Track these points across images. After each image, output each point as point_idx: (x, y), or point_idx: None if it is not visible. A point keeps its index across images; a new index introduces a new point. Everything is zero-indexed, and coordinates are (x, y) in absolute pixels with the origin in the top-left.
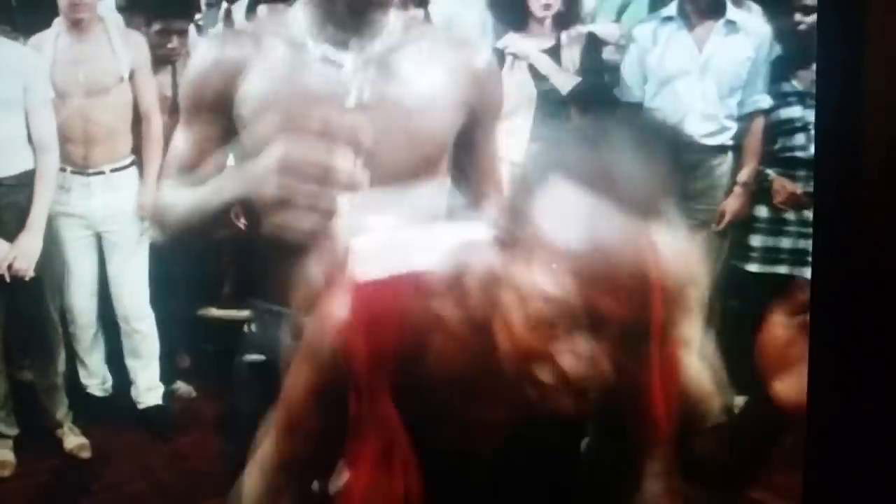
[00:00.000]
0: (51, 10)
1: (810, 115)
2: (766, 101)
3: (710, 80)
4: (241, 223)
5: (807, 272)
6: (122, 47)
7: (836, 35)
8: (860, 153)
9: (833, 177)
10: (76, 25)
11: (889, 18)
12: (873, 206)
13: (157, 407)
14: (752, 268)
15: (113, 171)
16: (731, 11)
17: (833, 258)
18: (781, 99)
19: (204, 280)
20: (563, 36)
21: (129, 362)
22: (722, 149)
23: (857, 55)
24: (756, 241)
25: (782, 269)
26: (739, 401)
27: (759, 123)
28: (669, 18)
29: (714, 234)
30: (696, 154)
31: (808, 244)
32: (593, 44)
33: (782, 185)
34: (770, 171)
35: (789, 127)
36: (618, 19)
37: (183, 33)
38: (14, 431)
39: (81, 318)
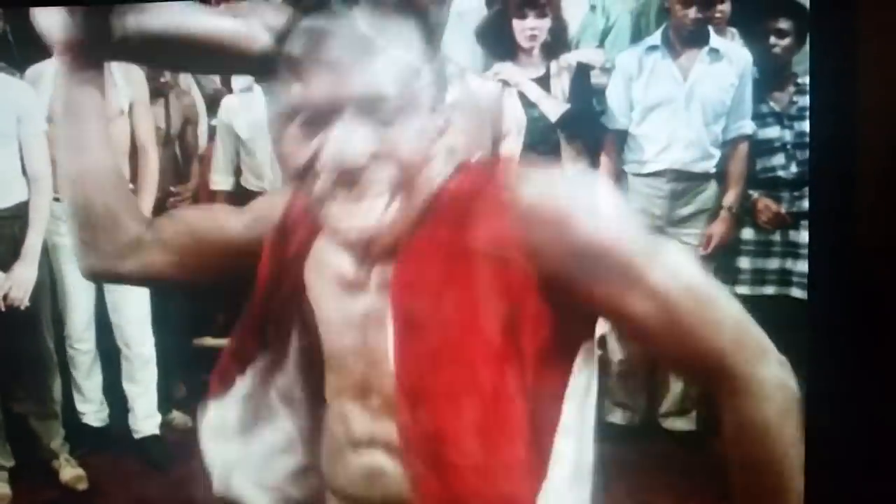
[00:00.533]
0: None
1: (788, 135)
2: (750, 127)
3: (696, 107)
4: None
5: (793, 291)
6: (122, 80)
7: (828, 53)
8: (854, 167)
9: (827, 191)
10: None
11: (880, 33)
12: (868, 220)
13: (153, 437)
14: (741, 290)
15: None
16: (715, 40)
17: (828, 272)
18: (759, 120)
19: (199, 309)
20: (553, 66)
21: (128, 387)
22: (707, 175)
23: (850, 71)
24: (744, 263)
25: (770, 290)
26: None
27: (743, 149)
28: (654, 47)
29: (702, 259)
30: (682, 181)
31: (794, 265)
32: (582, 73)
33: (766, 205)
34: (753, 192)
35: (768, 147)
36: (601, 44)
37: None
38: (10, 463)
39: (79, 344)
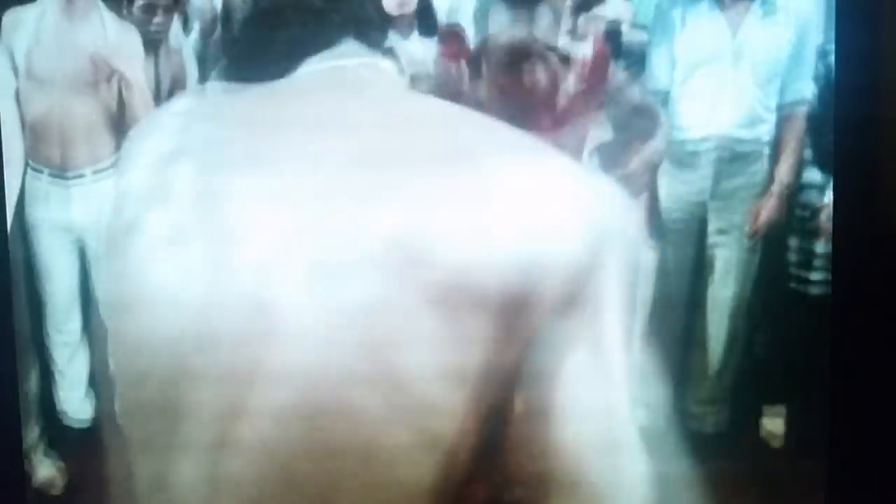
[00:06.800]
0: None
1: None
2: (809, 91)
3: (745, 66)
4: None
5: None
6: (115, 37)
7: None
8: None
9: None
10: (70, 3)
11: None
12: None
13: None
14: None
15: (95, 172)
16: None
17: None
18: None
19: None
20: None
21: None
22: (757, 142)
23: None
24: (793, 242)
25: (817, 276)
26: None
27: (801, 115)
28: None
29: (743, 246)
30: (728, 149)
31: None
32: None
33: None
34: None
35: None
36: None
37: (169, 9)
38: None
39: (64, 325)
